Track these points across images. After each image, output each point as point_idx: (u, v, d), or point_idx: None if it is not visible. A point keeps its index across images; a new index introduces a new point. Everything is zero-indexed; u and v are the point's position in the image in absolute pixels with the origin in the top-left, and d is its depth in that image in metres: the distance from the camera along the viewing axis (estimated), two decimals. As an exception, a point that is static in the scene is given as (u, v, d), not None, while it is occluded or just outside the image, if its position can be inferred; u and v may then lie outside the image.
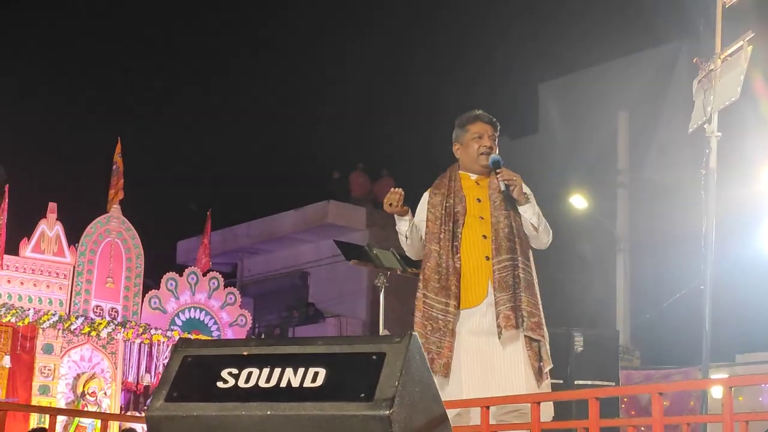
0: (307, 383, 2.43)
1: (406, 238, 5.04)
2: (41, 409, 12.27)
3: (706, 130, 6.86)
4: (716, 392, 8.06)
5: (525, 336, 4.82)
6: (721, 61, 6.85)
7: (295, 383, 2.44)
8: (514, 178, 4.95)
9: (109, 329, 15.35)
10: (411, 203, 5.12)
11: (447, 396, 4.43)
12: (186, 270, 17.16)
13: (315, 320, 21.82)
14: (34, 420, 13.75)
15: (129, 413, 14.75)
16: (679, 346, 14.19)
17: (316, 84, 29.70)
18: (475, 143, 5.14)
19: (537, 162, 20.82)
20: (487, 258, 4.91)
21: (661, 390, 3.84)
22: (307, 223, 22.30)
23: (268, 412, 2.42)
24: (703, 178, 6.81)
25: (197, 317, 16.76)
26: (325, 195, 22.21)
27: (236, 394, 2.47)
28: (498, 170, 4.98)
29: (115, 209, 16.08)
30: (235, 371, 2.51)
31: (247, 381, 2.49)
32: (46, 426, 13.31)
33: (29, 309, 14.74)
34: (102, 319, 15.37)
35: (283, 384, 2.45)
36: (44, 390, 14.76)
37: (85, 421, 14.42)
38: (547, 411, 4.74)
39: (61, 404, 14.66)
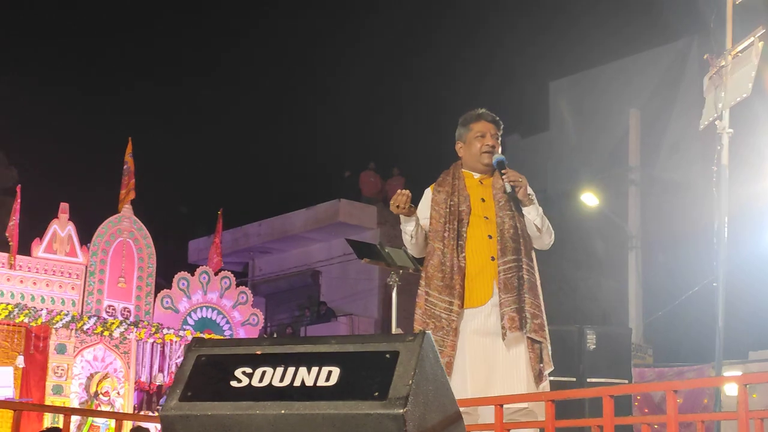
0: (321, 382, 2.44)
1: (411, 237, 5.02)
2: (56, 409, 12.32)
3: (717, 126, 6.85)
4: (729, 390, 8.05)
5: (528, 338, 4.82)
6: (732, 57, 6.84)
7: (309, 382, 2.45)
8: (520, 179, 4.95)
9: (122, 329, 15.38)
10: (419, 202, 5.11)
11: None
12: (198, 269, 17.19)
13: (327, 319, 21.83)
14: (48, 420, 13.79)
15: (142, 413, 14.79)
16: (692, 344, 14.17)
17: (327, 83, 29.72)
18: (477, 142, 5.12)
19: (548, 160, 20.82)
20: (493, 258, 4.90)
21: (675, 388, 3.83)
22: (318, 221, 22.32)
23: (282, 411, 2.42)
24: (714, 174, 6.80)
25: (209, 316, 16.79)
26: (336, 194, 22.22)
27: (250, 393, 2.48)
28: (503, 171, 4.96)
29: (126, 209, 16.12)
30: (248, 370, 2.52)
31: (260, 380, 2.49)
32: (60, 425, 13.36)
33: (42, 309, 14.78)
34: (114, 318, 15.41)
35: (297, 383, 2.46)
36: (58, 390, 14.80)
37: (99, 421, 14.45)
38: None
39: (75, 404, 14.70)
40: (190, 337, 15.81)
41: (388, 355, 2.42)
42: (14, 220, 14.73)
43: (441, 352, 4.74)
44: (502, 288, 4.84)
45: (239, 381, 2.51)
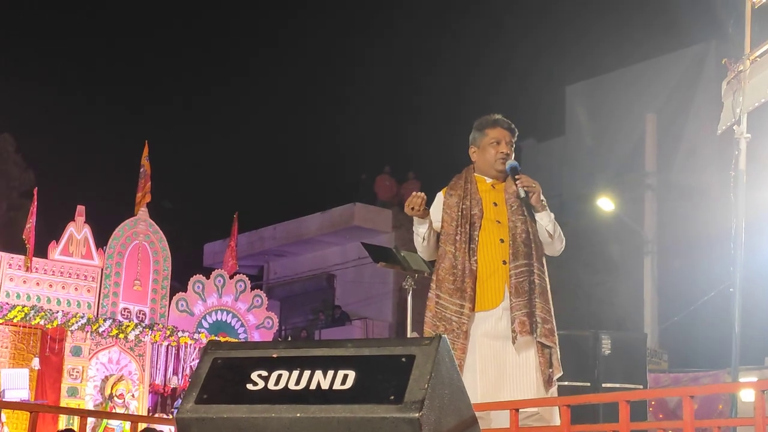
0: (337, 385, 2.44)
1: (423, 239, 5.04)
2: (72, 411, 12.35)
3: (735, 131, 6.82)
4: (745, 395, 8.01)
5: (538, 342, 4.82)
6: (751, 62, 6.81)
7: (325, 385, 2.45)
8: (533, 185, 4.96)
9: (137, 331, 15.42)
10: (431, 205, 5.11)
11: None
12: (213, 272, 17.22)
13: (341, 323, 21.84)
14: (63, 422, 13.84)
15: (156, 415, 14.81)
16: (707, 349, 14.10)
17: (344, 88, 29.74)
18: (492, 148, 5.13)
19: (564, 164, 20.79)
20: (504, 262, 4.91)
21: (692, 393, 3.82)
22: (333, 225, 22.34)
23: (298, 415, 2.42)
24: (732, 179, 6.77)
25: (224, 320, 16.81)
26: (351, 197, 22.23)
27: (266, 397, 2.48)
28: (517, 176, 4.97)
29: (142, 212, 16.16)
30: (264, 373, 2.52)
31: (276, 383, 2.49)
32: (75, 428, 13.40)
33: (58, 311, 14.83)
34: (130, 321, 15.45)
35: (313, 386, 2.46)
36: (73, 392, 14.84)
37: (113, 423, 14.49)
38: (555, 417, 4.77)
39: (89, 406, 14.74)
40: (204, 341, 15.84)
41: (404, 359, 2.42)
42: (31, 223, 14.78)
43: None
44: (513, 292, 4.84)
45: (255, 384, 2.51)
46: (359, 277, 22.14)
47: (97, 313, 15.30)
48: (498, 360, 4.79)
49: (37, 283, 15.00)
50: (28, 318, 14.59)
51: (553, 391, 4.88)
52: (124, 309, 15.61)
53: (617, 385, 8.61)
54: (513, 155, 5.16)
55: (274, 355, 2.55)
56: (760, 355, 13.38)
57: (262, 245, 23.98)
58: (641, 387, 8.89)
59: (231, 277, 17.15)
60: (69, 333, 14.95)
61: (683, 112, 18.63)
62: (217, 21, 35.16)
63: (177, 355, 15.97)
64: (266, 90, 33.13)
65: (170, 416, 14.36)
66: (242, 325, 16.95)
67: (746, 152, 6.77)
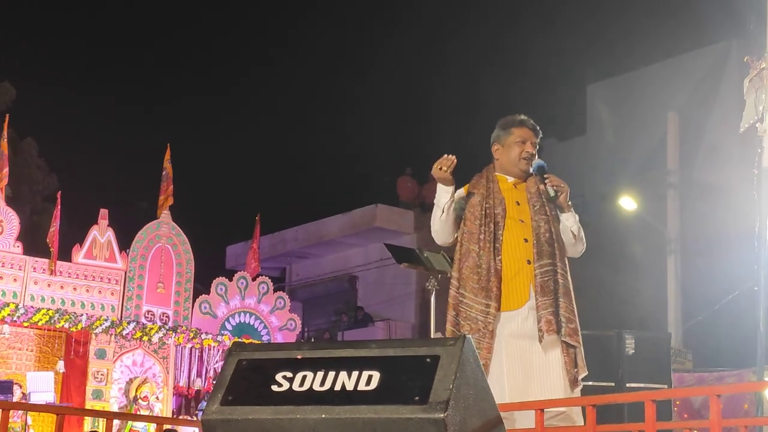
0: (362, 386, 2.44)
1: (443, 212, 4.97)
2: (98, 413, 12.43)
3: (758, 129, 6.79)
4: (771, 394, 7.95)
5: (563, 342, 4.81)
6: (773, 59, 6.78)
7: (350, 386, 2.45)
8: (562, 185, 4.95)
9: (161, 334, 15.49)
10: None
11: None
12: (235, 275, 17.28)
13: (364, 324, 21.84)
14: (88, 424, 13.91)
15: (180, 417, 14.87)
16: (732, 348, 14.01)
17: (365, 88, 29.74)
18: (517, 147, 5.11)
19: (585, 163, 20.72)
20: (529, 262, 4.90)
21: (719, 392, 3.80)
22: (355, 226, 22.35)
23: (323, 416, 2.43)
24: (755, 177, 6.74)
25: (247, 321, 16.87)
26: (373, 199, 22.23)
27: (291, 398, 2.49)
28: (546, 175, 4.96)
29: (165, 215, 16.23)
30: (289, 374, 2.53)
31: (301, 384, 2.50)
32: (99, 430, 13.47)
33: (82, 314, 14.92)
34: (153, 324, 15.52)
35: (338, 387, 2.46)
36: (97, 394, 14.92)
37: (138, 425, 14.56)
38: (580, 416, 4.76)
39: (114, 408, 14.83)
40: (228, 343, 15.89)
41: (428, 359, 2.42)
42: (55, 227, 14.88)
43: (478, 354, 4.72)
44: (539, 291, 4.83)
45: (280, 385, 2.52)
46: (381, 279, 22.15)
47: (121, 316, 15.38)
48: (524, 360, 4.79)
49: (62, 287, 15.08)
50: (52, 321, 14.68)
51: (578, 391, 4.87)
52: (148, 311, 15.68)
53: (641, 385, 8.57)
54: (536, 156, 5.16)
55: (299, 356, 2.56)
56: (785, 353, 13.28)
57: (285, 247, 24.01)
58: (666, 387, 8.85)
59: (253, 279, 17.20)
60: (93, 336, 15.04)
61: (705, 110, 18.53)
62: (234, 23, 35.28)
63: (200, 357, 16.03)
64: (288, 92, 33.20)
65: (194, 418, 14.42)
66: (265, 327, 16.99)
67: (769, 150, 6.74)
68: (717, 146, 17.81)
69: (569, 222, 5.01)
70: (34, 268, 14.92)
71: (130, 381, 15.31)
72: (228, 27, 35.04)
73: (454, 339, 2.45)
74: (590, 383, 4.97)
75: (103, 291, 15.39)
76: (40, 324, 14.69)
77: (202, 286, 17.23)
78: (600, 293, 17.33)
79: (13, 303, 14.55)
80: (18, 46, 28.50)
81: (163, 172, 16.20)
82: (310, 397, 2.47)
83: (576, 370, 4.84)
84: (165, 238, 16.12)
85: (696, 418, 11.71)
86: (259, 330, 16.90)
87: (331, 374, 2.49)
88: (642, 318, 17.24)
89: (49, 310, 14.69)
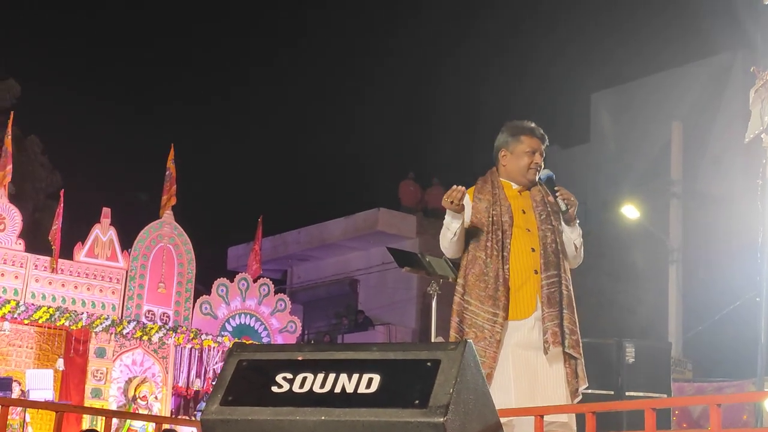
0: (362, 389, 2.44)
1: (454, 235, 4.92)
2: (97, 411, 12.42)
3: (762, 140, 6.79)
4: (770, 406, 7.95)
5: (565, 353, 4.80)
6: (779, 70, 6.78)
7: (350, 389, 2.45)
8: (572, 198, 4.92)
9: (161, 334, 15.48)
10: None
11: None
12: (237, 276, 17.27)
13: (364, 328, 21.84)
14: (87, 422, 13.91)
15: (179, 417, 14.86)
16: (732, 359, 14.00)
17: (367, 93, 29.76)
18: (527, 157, 5.05)
19: (588, 171, 20.71)
20: (536, 272, 4.87)
21: (719, 401, 3.80)
22: (356, 230, 22.35)
23: (322, 418, 2.43)
24: (759, 188, 6.74)
25: (247, 323, 16.86)
26: (375, 203, 22.23)
27: (291, 399, 2.49)
28: (557, 188, 4.93)
29: (167, 215, 16.23)
30: (289, 376, 2.53)
31: (301, 386, 2.50)
32: (98, 428, 13.46)
33: (83, 313, 14.91)
34: (153, 323, 15.51)
35: (338, 389, 2.46)
36: (96, 393, 14.91)
37: (136, 425, 14.55)
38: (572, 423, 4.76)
39: (113, 407, 14.81)
40: (228, 344, 15.89)
41: (429, 363, 2.42)
42: (57, 225, 14.88)
43: (482, 362, 4.69)
44: (545, 302, 4.81)
45: (280, 386, 2.52)
46: (382, 283, 22.14)
47: (122, 315, 15.37)
48: (530, 370, 4.77)
49: (63, 285, 15.08)
50: (53, 319, 14.68)
51: (578, 401, 4.87)
52: (148, 311, 15.68)
53: (641, 394, 8.56)
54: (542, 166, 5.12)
55: (299, 358, 2.56)
56: (785, 365, 13.27)
57: (286, 249, 24.01)
58: (665, 396, 8.84)
59: (255, 281, 17.19)
60: (93, 334, 15.03)
61: (709, 120, 18.54)
62: (239, 26, 35.30)
63: (200, 357, 16.02)
64: (292, 94, 33.22)
65: (193, 418, 14.41)
66: (265, 329, 16.98)
67: (773, 161, 6.73)
68: (720, 156, 17.82)
69: (573, 235, 4.98)
70: (36, 266, 14.92)
71: (129, 380, 15.30)
72: (233, 28, 35.08)
73: (455, 343, 2.45)
74: (589, 391, 4.95)
75: (104, 290, 15.39)
76: (40, 321, 14.69)
77: (203, 286, 17.22)
78: (601, 302, 17.33)
79: (14, 300, 14.55)
80: (23, 44, 28.53)
81: (167, 172, 16.20)
82: (310, 399, 2.47)
83: (577, 381, 4.84)
84: (167, 237, 16.12)
85: (695, 428, 11.70)
86: (259, 331, 16.89)
87: (332, 376, 2.49)
88: (643, 327, 17.23)
89: (49, 307, 14.69)
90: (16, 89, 22.19)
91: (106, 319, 15.06)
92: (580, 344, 4.87)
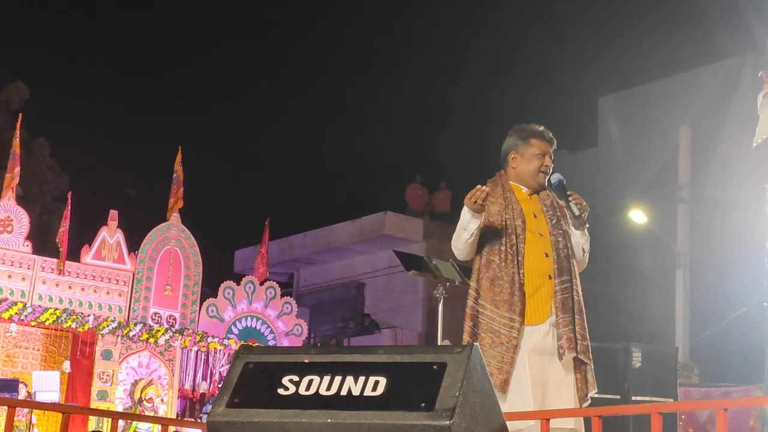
0: (368, 392, 2.44)
1: (471, 236, 4.84)
2: (104, 413, 12.43)
3: (770, 145, 6.77)
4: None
5: (576, 359, 4.78)
6: (787, 75, 6.76)
7: (356, 391, 2.45)
8: (584, 203, 4.90)
9: (167, 336, 15.49)
10: (458, 209, 4.96)
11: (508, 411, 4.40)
12: (243, 279, 17.28)
13: (370, 331, 21.84)
14: (93, 424, 13.92)
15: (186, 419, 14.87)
16: (739, 364, 13.97)
17: (375, 96, 29.78)
18: (537, 160, 5.02)
19: (596, 176, 20.69)
20: (550, 277, 4.84)
21: (726, 406, 3.78)
22: (363, 234, 22.35)
23: (328, 420, 2.43)
24: (767, 193, 6.72)
25: (254, 326, 16.86)
26: (382, 206, 22.23)
27: (297, 401, 2.48)
28: (569, 193, 4.90)
29: (174, 217, 16.24)
30: (296, 378, 2.52)
31: (307, 388, 2.50)
32: (104, 430, 13.48)
33: (89, 315, 14.93)
34: (160, 326, 15.52)
35: (344, 392, 2.46)
36: (103, 395, 14.93)
37: (142, 427, 14.56)
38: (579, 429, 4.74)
39: (119, 410, 14.81)
40: (234, 346, 15.89)
41: (435, 366, 2.41)
42: (64, 227, 14.90)
43: (500, 368, 4.66)
44: (559, 307, 4.78)
45: (286, 389, 2.52)
46: (389, 286, 22.14)
47: (128, 317, 15.39)
48: (544, 376, 4.75)
49: (70, 287, 15.10)
50: (59, 321, 14.70)
51: (587, 407, 4.85)
52: (155, 314, 15.69)
53: (647, 398, 8.55)
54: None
55: (306, 360, 2.56)
56: (792, 371, 13.23)
57: (293, 253, 24.03)
58: (671, 401, 8.83)
59: (261, 284, 17.20)
60: (100, 336, 15.05)
61: (718, 124, 18.50)
62: (244, 29, 35.35)
63: (206, 360, 16.03)
64: (299, 98, 33.24)
65: (198, 421, 14.42)
66: (271, 332, 16.99)
67: (782, 166, 6.72)
68: (729, 161, 17.78)
69: (582, 240, 4.96)
70: (43, 268, 14.95)
71: (136, 382, 15.31)
72: (241, 31, 35.11)
73: (461, 346, 2.44)
74: (596, 395, 4.94)
75: (110, 292, 15.41)
76: (47, 323, 14.71)
77: (209, 289, 17.24)
78: (608, 306, 17.29)
79: (21, 302, 14.57)
80: (31, 47, 28.60)
81: (174, 175, 16.22)
82: (316, 402, 2.47)
83: (587, 386, 4.82)
84: (174, 240, 16.14)
85: (702, 434, 11.68)
86: (265, 334, 16.90)
87: (338, 379, 2.48)
88: (650, 332, 17.21)
89: (56, 309, 14.71)
90: (24, 92, 22.25)
91: (113, 321, 15.08)
92: (590, 350, 4.86)
